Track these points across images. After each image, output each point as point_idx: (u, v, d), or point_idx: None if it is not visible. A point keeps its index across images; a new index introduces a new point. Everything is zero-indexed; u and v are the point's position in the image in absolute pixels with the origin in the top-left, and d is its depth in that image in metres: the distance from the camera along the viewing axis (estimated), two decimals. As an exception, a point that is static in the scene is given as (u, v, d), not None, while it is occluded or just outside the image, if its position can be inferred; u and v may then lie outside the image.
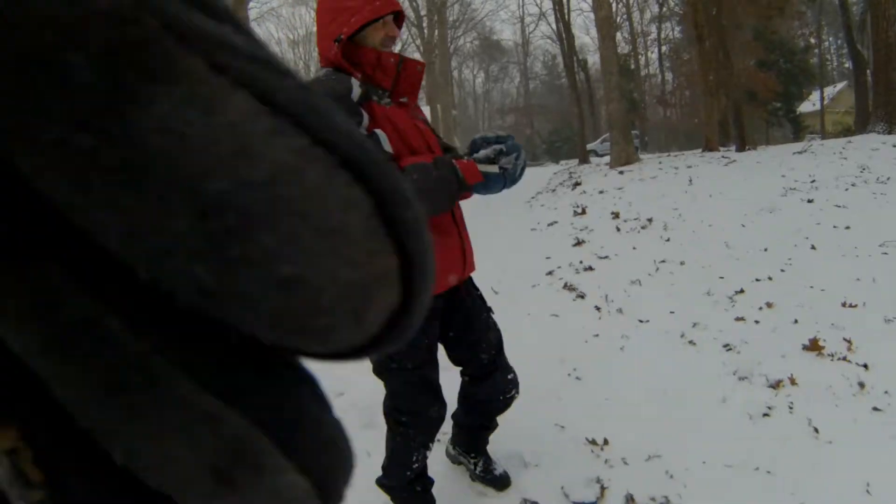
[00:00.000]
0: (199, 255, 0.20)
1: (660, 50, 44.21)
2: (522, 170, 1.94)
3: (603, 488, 2.47)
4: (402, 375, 2.18)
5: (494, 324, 2.37)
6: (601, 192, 8.24)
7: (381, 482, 2.35)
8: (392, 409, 2.27)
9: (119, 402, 0.19)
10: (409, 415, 2.23)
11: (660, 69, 45.57)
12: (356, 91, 1.83)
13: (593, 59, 41.15)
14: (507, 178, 1.91)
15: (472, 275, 2.29)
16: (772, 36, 28.60)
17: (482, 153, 1.92)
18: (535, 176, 12.88)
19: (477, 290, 2.33)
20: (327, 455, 0.22)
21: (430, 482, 2.39)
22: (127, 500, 0.20)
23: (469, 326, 2.27)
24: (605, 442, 2.75)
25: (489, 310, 2.35)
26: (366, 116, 1.83)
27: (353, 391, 3.76)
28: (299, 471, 0.20)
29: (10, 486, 0.19)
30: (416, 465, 2.26)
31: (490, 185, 1.92)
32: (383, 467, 2.34)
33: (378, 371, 2.22)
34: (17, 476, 0.19)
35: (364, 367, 3.99)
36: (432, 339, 2.18)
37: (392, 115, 1.91)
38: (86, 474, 0.20)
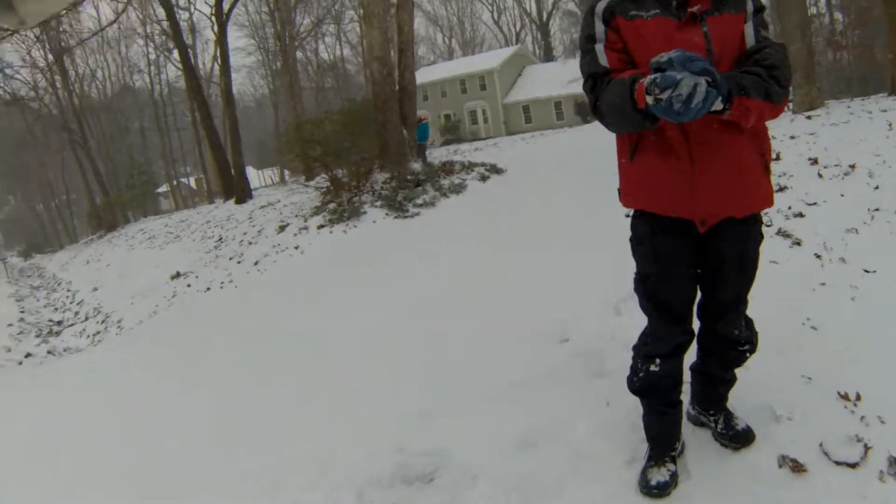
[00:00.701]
0: None
1: (827, -12, 39.31)
2: (686, 104, 1.53)
3: (867, 448, 2.18)
4: (639, 283, 2.18)
5: (745, 274, 2.11)
6: (792, 137, 7.40)
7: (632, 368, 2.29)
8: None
9: None
10: (649, 336, 2.22)
11: (827, 8, 40.66)
12: (600, 7, 1.93)
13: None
14: (658, 111, 1.58)
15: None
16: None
17: (646, 79, 1.62)
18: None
19: (746, 235, 2.04)
20: None
21: (679, 400, 2.29)
22: None
23: (719, 266, 2.07)
24: (858, 397, 2.45)
25: (746, 255, 2.07)
26: (600, 28, 1.93)
27: (576, 337, 3.60)
28: None
29: None
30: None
31: (657, 111, 1.61)
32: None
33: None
34: None
35: (586, 308, 3.86)
36: (658, 248, 2.04)
37: (643, 28, 1.87)
38: None
